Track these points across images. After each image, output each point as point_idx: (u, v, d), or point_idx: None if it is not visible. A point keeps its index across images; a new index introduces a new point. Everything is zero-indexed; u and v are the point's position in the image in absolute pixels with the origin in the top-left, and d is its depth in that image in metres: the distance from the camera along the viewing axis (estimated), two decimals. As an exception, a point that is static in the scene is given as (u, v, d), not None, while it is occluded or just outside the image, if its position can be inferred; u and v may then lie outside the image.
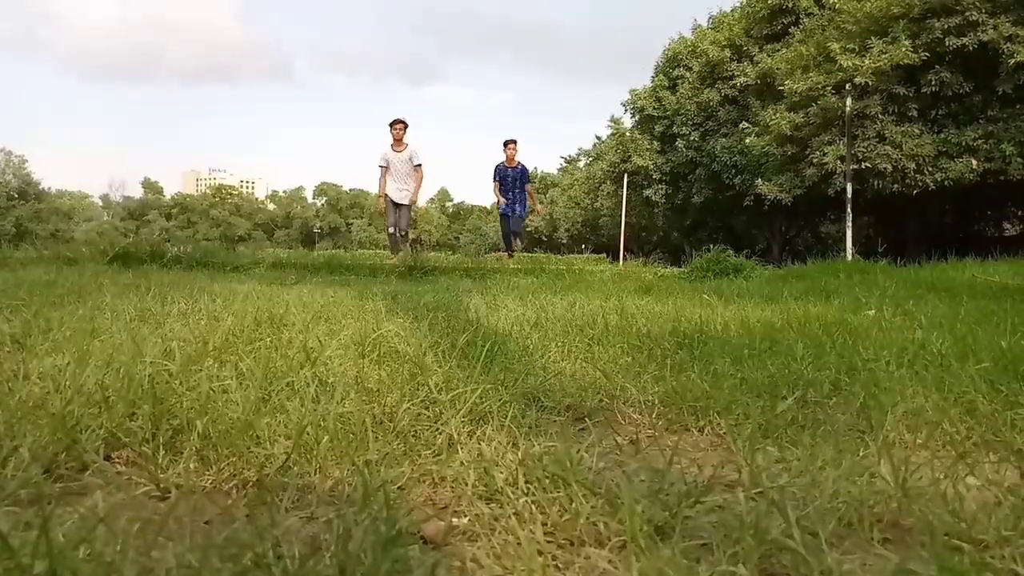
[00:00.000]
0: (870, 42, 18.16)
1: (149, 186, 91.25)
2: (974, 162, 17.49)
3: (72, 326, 1.71)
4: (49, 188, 77.88)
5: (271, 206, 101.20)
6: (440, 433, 0.96)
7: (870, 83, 17.98)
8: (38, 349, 1.43)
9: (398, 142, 8.56)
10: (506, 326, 1.90)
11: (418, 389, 1.17)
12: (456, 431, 0.95)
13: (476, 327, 1.80)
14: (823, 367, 1.42)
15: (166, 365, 1.22)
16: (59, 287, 2.77)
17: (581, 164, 59.94)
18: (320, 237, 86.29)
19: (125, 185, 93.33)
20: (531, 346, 1.62)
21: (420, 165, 8.73)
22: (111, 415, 0.95)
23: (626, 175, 31.64)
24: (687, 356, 1.56)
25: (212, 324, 1.78)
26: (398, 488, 0.79)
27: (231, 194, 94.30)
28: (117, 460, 0.89)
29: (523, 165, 9.26)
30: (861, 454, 0.92)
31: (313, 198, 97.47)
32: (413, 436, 0.96)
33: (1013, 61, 16.30)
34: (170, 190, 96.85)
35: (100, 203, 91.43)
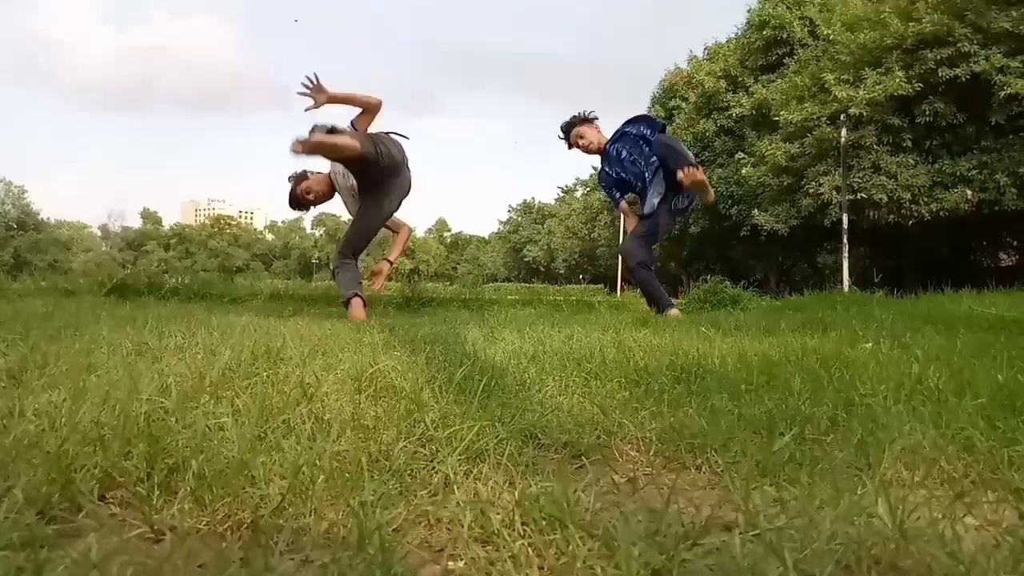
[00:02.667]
0: (864, 73, 18.39)
1: (148, 216, 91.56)
2: (968, 192, 17.62)
3: (69, 361, 1.70)
4: (48, 218, 78.24)
5: (269, 236, 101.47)
6: (436, 472, 0.96)
7: (864, 114, 18.18)
8: (34, 385, 1.43)
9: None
10: (503, 359, 1.90)
11: (414, 426, 1.17)
12: (452, 470, 0.95)
13: (473, 361, 1.80)
14: (820, 402, 1.42)
15: (162, 402, 1.21)
16: (56, 320, 2.76)
17: (578, 194, 60.25)
18: (318, 268, 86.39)
19: (124, 215, 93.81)
20: (528, 380, 1.62)
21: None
22: (106, 454, 0.95)
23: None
24: (684, 391, 1.56)
25: (209, 358, 1.78)
26: (394, 530, 0.79)
27: (230, 224, 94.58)
28: (111, 500, 0.89)
29: (631, 130, 4.89)
30: (859, 493, 0.92)
31: (312, 228, 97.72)
32: (409, 475, 0.95)
33: (1005, 92, 16.50)
34: (169, 220, 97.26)
35: (99, 233, 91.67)
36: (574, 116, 5.01)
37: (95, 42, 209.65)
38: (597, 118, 5.09)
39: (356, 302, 4.42)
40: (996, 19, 16.77)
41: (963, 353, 2.07)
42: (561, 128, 5.02)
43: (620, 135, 4.88)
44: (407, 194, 4.74)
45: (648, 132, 4.79)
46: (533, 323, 3.17)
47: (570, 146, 5.01)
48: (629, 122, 4.89)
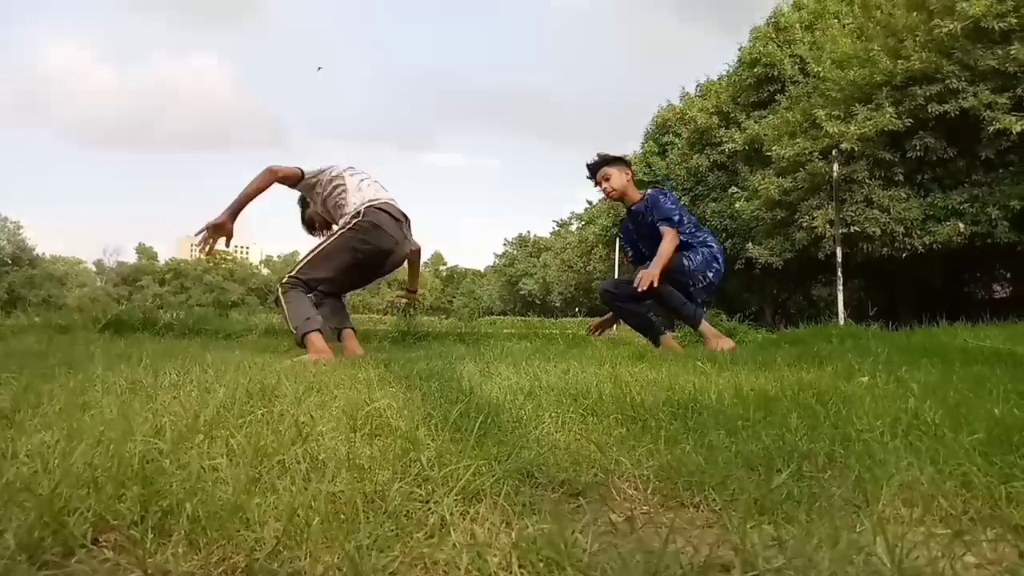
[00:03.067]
0: (855, 109, 18.62)
1: (143, 251, 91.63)
2: (961, 225, 17.76)
3: (62, 400, 1.69)
4: (43, 254, 78.21)
5: (265, 271, 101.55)
6: (432, 513, 0.95)
7: (856, 148, 18.38)
8: (27, 425, 1.42)
9: None
10: (499, 395, 1.90)
11: (410, 466, 1.16)
12: (448, 511, 0.94)
13: (469, 397, 1.79)
14: (817, 438, 1.41)
15: (156, 443, 1.21)
16: (50, 357, 2.75)
17: (573, 228, 60.50)
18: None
19: (120, 250, 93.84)
20: (525, 417, 1.61)
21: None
22: (100, 496, 0.94)
23: (618, 239, 31.90)
24: (681, 427, 1.55)
25: (203, 397, 1.77)
26: (390, 574, 0.78)
27: (225, 259, 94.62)
28: (105, 544, 0.88)
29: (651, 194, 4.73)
30: (857, 531, 0.92)
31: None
32: (405, 516, 0.95)
33: (993, 128, 16.72)
34: (164, 255, 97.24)
35: (94, 269, 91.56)
36: (607, 155, 4.75)
37: (93, 80, 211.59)
38: (631, 164, 4.89)
39: (316, 337, 3.74)
40: (982, 57, 17.05)
41: (959, 387, 2.08)
42: (588, 164, 4.77)
43: (651, 204, 4.62)
44: (398, 265, 4.38)
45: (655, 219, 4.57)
46: (529, 358, 3.17)
47: (596, 183, 4.78)
48: (657, 197, 4.64)
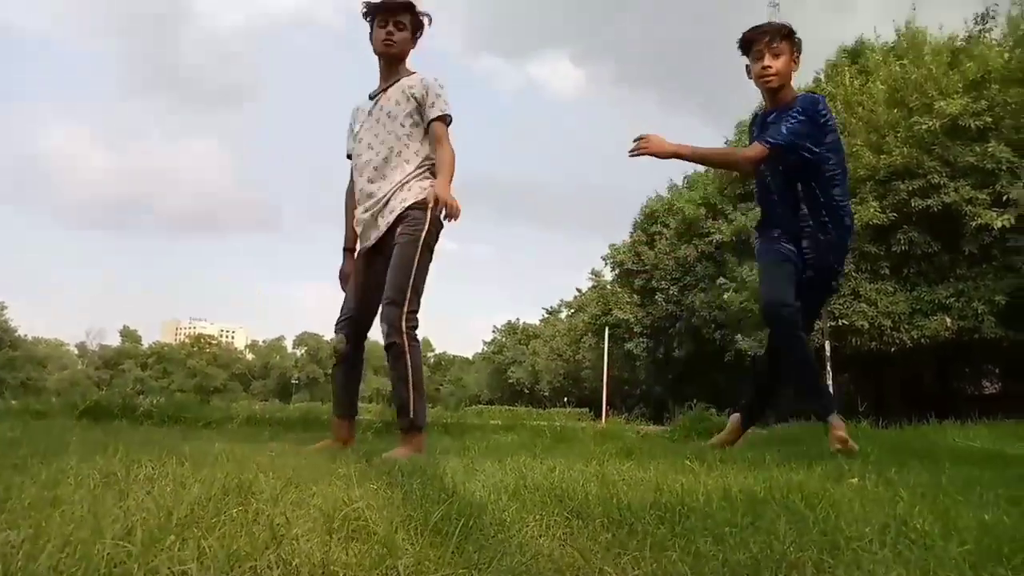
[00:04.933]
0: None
1: (127, 335, 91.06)
2: (948, 320, 17.94)
3: (32, 494, 1.64)
4: (25, 335, 77.61)
5: (250, 356, 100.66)
6: (407, 628, 0.91)
7: (842, 242, 18.68)
8: (-8, 523, 1.37)
9: (391, 63, 3.35)
10: (483, 495, 1.86)
11: (387, 574, 1.12)
12: (424, 626, 0.91)
13: (452, 497, 1.76)
14: (806, 546, 1.38)
15: (126, 545, 1.17)
16: (23, 447, 2.69)
17: (563, 315, 60.70)
18: (297, 388, 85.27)
19: (104, 333, 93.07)
20: (508, 520, 1.57)
21: (442, 120, 3.23)
22: (59, 606, 0.90)
23: (607, 328, 32.09)
24: (668, 532, 1.52)
25: (178, 492, 1.73)
26: None
27: (210, 344, 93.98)
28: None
29: (808, 97, 3.52)
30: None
31: (293, 347, 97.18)
32: (379, 631, 0.91)
33: (975, 223, 17.12)
34: (149, 339, 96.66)
35: (76, 351, 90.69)
36: (790, 25, 3.49)
37: (87, 161, 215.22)
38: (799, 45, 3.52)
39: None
40: (961, 153, 17.65)
41: (948, 490, 2.05)
42: (765, 27, 3.46)
43: (802, 108, 3.39)
44: None
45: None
46: (515, 452, 3.12)
47: (754, 55, 3.46)
48: (817, 102, 3.44)
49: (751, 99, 26.08)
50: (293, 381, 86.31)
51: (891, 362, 20.68)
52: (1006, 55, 18.32)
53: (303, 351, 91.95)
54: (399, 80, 3.31)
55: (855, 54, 23.04)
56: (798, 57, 3.49)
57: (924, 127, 17.73)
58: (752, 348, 22.29)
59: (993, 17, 20.12)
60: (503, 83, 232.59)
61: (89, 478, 1.94)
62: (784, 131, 3.29)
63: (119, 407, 5.50)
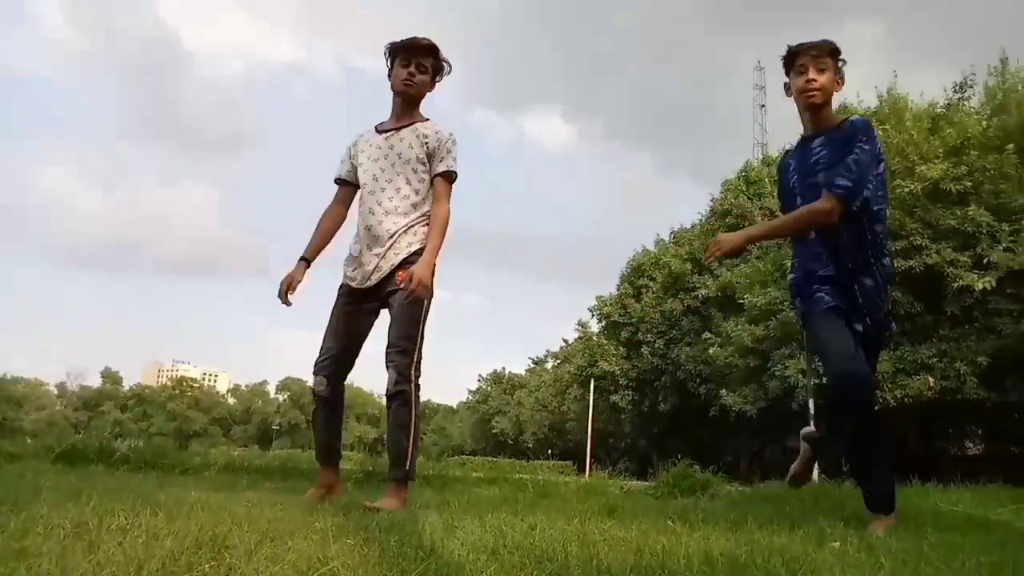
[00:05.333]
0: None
1: (109, 376, 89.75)
2: (931, 380, 18.02)
3: (-1, 545, 1.61)
4: (4, 375, 76.47)
5: (232, 400, 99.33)
6: None
7: (826, 300, 18.80)
8: (-45, 575, 1.34)
9: (407, 103, 3.33)
10: (461, 554, 1.83)
11: (360, 638, 1.10)
12: None
13: (429, 556, 1.73)
14: (787, 614, 1.37)
15: (91, 603, 1.14)
16: (-6, 493, 2.63)
17: (549, 366, 60.45)
18: (278, 435, 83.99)
19: (85, 374, 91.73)
20: (486, 581, 1.55)
21: (446, 177, 3.26)
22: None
23: (593, 379, 31.99)
24: (647, 597, 1.50)
25: (150, 545, 1.69)
26: None
27: (192, 387, 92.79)
28: None
29: (861, 121, 3.19)
30: None
31: (276, 393, 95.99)
32: None
33: (957, 284, 17.34)
34: (131, 380, 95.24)
35: (55, 391, 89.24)
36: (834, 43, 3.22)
37: (78, 201, 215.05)
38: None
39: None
40: (942, 216, 17.97)
41: (930, 557, 2.04)
42: (814, 42, 3.19)
43: (856, 131, 3.09)
44: None
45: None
46: (496, 508, 3.08)
47: (797, 69, 3.17)
48: (869, 129, 3.14)
49: (738, 158, 26.53)
50: (274, 427, 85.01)
51: (875, 421, 20.65)
52: (984, 123, 18.81)
53: (286, 396, 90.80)
54: (414, 124, 3.33)
55: (839, 117, 23.51)
56: (841, 79, 3.24)
57: (906, 190, 18.08)
58: (737, 404, 22.26)
59: (971, 86, 20.76)
60: (496, 136, 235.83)
61: (59, 527, 1.89)
62: (853, 167, 2.97)
63: (95, 451, 5.41)
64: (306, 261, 3.43)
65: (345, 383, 3.50)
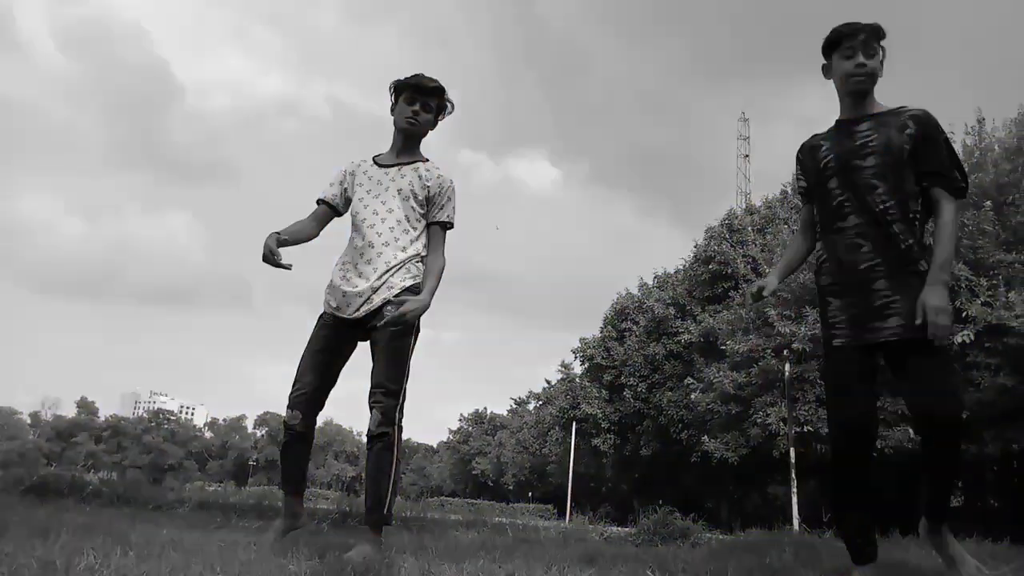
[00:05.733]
0: (805, 310, 19.43)
1: (84, 406, 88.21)
2: (911, 431, 18.08)
3: (-39, 584, 1.56)
4: (-24, 404, 74.98)
5: (208, 434, 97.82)
6: None
7: (807, 348, 18.96)
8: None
9: (409, 140, 3.32)
10: (438, 602, 1.80)
11: None
12: None
13: (405, 604, 1.70)
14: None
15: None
16: (-41, 527, 2.56)
17: (531, 407, 60.09)
18: (254, 471, 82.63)
19: (60, 403, 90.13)
20: (462, 631, 1.52)
21: (443, 226, 3.30)
22: None
23: (575, 422, 31.83)
24: (626, 651, 1.47)
25: (119, 587, 1.65)
26: None
27: (168, 419, 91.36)
28: None
29: (917, 114, 2.88)
30: None
31: (253, 427, 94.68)
32: None
33: (935, 337, 17.49)
34: (107, 410, 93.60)
35: (28, 421, 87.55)
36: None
37: (55, 228, 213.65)
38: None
39: None
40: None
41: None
42: (859, 24, 2.99)
43: (923, 124, 2.89)
44: None
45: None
46: (474, 554, 3.04)
47: (845, 51, 2.99)
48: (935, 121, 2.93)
49: (721, 207, 26.88)
50: (251, 463, 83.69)
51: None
52: (962, 180, 19.17)
53: (264, 432, 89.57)
54: (416, 163, 3.33)
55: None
56: (882, 66, 3.07)
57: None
58: (719, 450, 22.19)
59: (950, 144, 21.17)
60: (482, 176, 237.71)
61: (26, 568, 1.85)
62: (948, 163, 2.86)
63: (67, 485, 5.30)
64: (279, 235, 3.26)
65: (318, 418, 3.42)
